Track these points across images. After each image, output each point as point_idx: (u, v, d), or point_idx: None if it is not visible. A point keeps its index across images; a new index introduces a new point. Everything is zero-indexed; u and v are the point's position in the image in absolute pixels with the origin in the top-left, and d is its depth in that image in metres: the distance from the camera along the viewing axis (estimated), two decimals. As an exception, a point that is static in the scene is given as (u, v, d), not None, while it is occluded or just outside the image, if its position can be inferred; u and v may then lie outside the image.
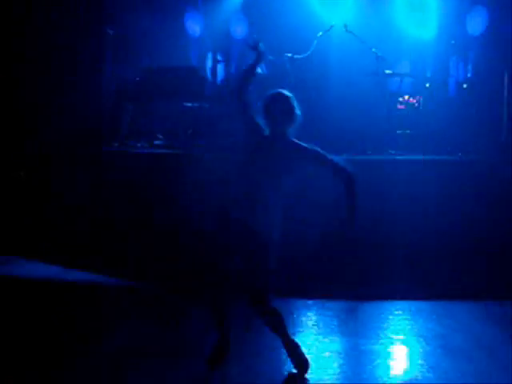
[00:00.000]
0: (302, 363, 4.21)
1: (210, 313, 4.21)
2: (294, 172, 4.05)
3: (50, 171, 7.19)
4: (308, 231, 6.22)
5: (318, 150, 4.03)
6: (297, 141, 4.07)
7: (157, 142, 7.97)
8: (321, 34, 7.87)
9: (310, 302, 5.59)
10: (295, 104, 4.07)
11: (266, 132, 4.10)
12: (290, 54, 7.85)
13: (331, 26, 7.90)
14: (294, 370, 4.20)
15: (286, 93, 4.10)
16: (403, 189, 6.62)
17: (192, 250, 5.87)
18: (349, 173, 4.02)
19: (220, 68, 9.73)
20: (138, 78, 8.29)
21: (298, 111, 4.07)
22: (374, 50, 7.74)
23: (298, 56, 7.86)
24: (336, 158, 4.03)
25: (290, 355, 4.22)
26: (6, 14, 7.51)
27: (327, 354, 4.54)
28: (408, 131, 8.20)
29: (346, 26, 7.81)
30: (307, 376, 4.16)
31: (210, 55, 9.73)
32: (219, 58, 9.68)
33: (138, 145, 7.84)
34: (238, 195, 4.05)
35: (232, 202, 4.07)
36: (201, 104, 8.09)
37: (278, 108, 4.02)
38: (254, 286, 4.02)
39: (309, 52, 7.83)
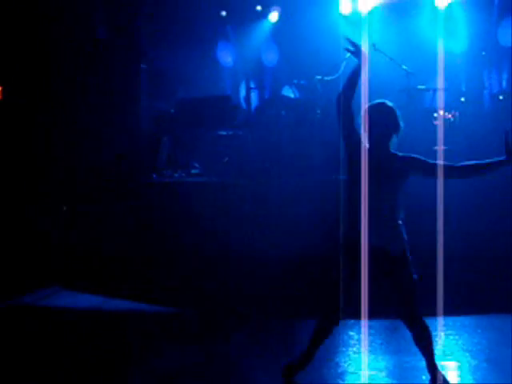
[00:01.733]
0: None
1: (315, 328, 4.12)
2: (402, 183, 3.93)
3: (92, 204, 7.36)
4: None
5: (417, 156, 3.93)
6: (395, 152, 3.96)
7: (194, 171, 8.10)
8: (349, 54, 7.91)
9: (352, 321, 5.54)
10: (398, 114, 4.00)
11: (367, 145, 3.94)
12: (320, 77, 7.92)
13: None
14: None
15: (389, 103, 4.03)
16: (443, 202, 6.54)
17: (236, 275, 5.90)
18: (451, 165, 3.89)
19: (254, 95, 9.89)
20: (172, 110, 8.48)
21: (401, 122, 4.00)
22: (404, 66, 7.73)
23: (328, 78, 7.92)
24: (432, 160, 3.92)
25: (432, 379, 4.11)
26: (44, 60, 7.79)
27: (373, 372, 4.50)
28: (445, 147, 8.11)
29: (374, 44, 7.84)
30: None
31: (243, 83, 9.91)
32: (252, 85, 9.86)
33: (176, 175, 7.99)
34: (359, 219, 3.87)
35: (355, 226, 3.90)
36: (234, 132, 8.21)
37: (384, 119, 3.95)
38: (407, 304, 3.98)
39: (338, 73, 7.87)
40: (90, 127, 7.86)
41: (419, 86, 7.98)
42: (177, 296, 6.44)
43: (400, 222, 3.95)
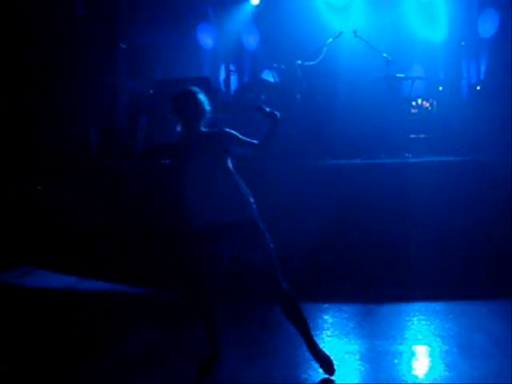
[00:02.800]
0: (326, 362, 4.19)
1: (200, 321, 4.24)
2: (224, 154, 4.11)
3: (63, 184, 7.28)
4: (318, 235, 6.23)
5: (227, 131, 4.13)
6: (206, 129, 4.16)
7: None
8: (330, 40, 7.93)
9: (326, 305, 5.60)
10: (203, 99, 4.17)
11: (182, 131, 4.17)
12: (300, 62, 7.91)
13: (340, 32, 7.97)
14: (310, 373, 4.21)
15: (195, 89, 4.21)
16: (417, 190, 6.62)
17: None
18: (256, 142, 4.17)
19: (233, 78, 9.84)
20: (151, 91, 8.40)
21: (207, 106, 4.17)
22: (384, 54, 7.76)
23: (309, 63, 7.92)
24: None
25: (312, 353, 4.20)
26: (17, 30, 7.66)
27: (345, 355, 4.55)
28: (422, 135, 8.18)
29: (355, 31, 7.87)
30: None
31: (223, 66, 9.85)
32: (232, 68, 9.80)
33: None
34: (196, 201, 4.07)
35: (198, 211, 4.07)
36: (214, 114, 8.15)
37: (190, 105, 4.12)
38: (265, 271, 4.06)
39: (319, 59, 7.88)
40: (65, 106, 7.75)
41: (398, 75, 8.01)
42: (154, 277, 6.42)
43: (243, 191, 4.09)
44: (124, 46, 8.43)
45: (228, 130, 4.17)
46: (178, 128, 4.20)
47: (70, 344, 4.88)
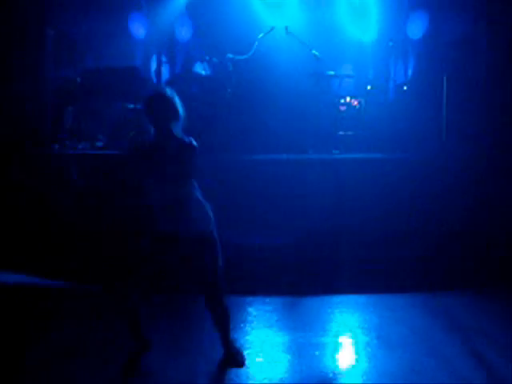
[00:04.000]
0: (239, 360, 4.30)
1: (124, 317, 4.22)
2: (191, 163, 4.06)
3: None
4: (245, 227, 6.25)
5: (193, 146, 4.05)
6: (181, 136, 4.08)
7: (98, 144, 7.86)
8: (262, 35, 7.95)
9: (250, 298, 5.62)
10: (177, 101, 4.10)
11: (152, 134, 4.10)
12: (231, 55, 7.89)
13: (272, 28, 7.99)
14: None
15: (168, 92, 4.11)
16: (344, 186, 6.73)
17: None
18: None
19: (165, 69, 9.72)
20: (78, 79, 8.19)
21: (181, 109, 4.10)
22: (314, 51, 7.84)
23: (240, 57, 7.92)
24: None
25: (227, 353, 4.31)
26: None
27: (268, 347, 4.59)
28: (350, 132, 8.33)
29: (286, 27, 7.91)
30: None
31: (154, 57, 9.72)
32: (164, 59, 9.68)
33: (80, 146, 7.73)
34: (157, 206, 4.05)
35: (152, 213, 4.07)
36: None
37: (163, 107, 4.04)
38: (208, 283, 4.11)
39: (250, 53, 7.89)
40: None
41: (328, 72, 8.11)
42: (89, 272, 6.26)
43: (202, 202, 4.09)
44: (52, 32, 8.15)
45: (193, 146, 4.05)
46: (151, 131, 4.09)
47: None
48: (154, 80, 9.21)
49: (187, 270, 4.20)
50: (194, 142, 4.06)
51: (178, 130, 4.09)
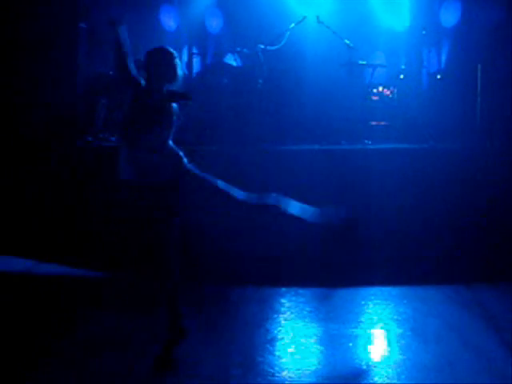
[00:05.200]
0: (182, 332, 4.23)
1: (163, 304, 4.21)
2: (171, 117, 4.06)
3: (23, 167, 7.13)
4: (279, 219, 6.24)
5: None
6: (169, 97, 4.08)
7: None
8: (293, 25, 7.91)
9: (283, 289, 5.63)
10: (178, 62, 4.14)
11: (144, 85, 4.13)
12: (262, 46, 7.87)
13: (303, 18, 7.94)
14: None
15: (170, 49, 4.18)
16: (376, 176, 6.68)
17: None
18: None
19: (196, 61, 9.75)
20: (111, 72, 8.26)
21: (179, 70, 4.14)
22: (346, 41, 7.78)
23: (271, 47, 7.89)
24: None
25: (171, 325, 4.21)
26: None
27: (301, 338, 4.59)
28: (382, 122, 8.25)
29: (318, 17, 7.86)
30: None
31: (185, 49, 9.75)
32: (195, 51, 9.71)
33: (113, 138, 7.81)
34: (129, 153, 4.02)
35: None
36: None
37: (163, 61, 4.10)
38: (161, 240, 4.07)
39: (281, 43, 7.86)
40: (21, 87, 7.55)
41: (360, 62, 8.04)
42: (112, 262, 6.34)
43: (174, 152, 4.05)
44: (85, 26, 8.25)
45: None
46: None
47: (30, 327, 4.79)
48: (186, 72, 9.24)
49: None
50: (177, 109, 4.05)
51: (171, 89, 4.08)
